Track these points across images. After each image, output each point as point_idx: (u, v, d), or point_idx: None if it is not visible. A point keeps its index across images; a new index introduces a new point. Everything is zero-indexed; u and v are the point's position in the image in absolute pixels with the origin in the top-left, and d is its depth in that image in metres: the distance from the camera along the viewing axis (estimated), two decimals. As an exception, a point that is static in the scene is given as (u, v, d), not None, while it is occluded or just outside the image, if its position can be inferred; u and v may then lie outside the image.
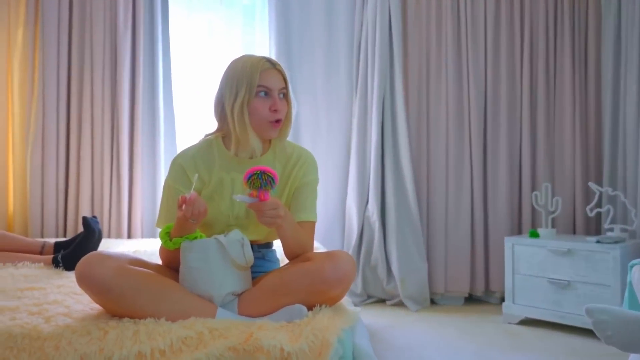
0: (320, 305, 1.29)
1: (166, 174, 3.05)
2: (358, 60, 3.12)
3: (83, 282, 1.23)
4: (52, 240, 1.99)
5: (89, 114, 3.01)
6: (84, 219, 1.83)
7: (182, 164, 1.50)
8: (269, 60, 1.47)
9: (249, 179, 1.29)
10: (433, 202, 3.06)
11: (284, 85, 1.47)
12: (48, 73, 2.96)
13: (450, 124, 3.05)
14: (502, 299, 2.85)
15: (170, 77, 3.12)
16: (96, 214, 3.03)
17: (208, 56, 3.22)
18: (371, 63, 3.04)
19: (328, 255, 1.31)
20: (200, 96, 3.23)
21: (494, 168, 3.03)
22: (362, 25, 3.11)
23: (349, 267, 1.29)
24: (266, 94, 1.44)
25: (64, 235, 3.04)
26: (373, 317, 2.71)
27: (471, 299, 3.07)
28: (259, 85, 1.43)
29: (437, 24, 3.06)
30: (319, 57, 3.17)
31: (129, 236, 3.05)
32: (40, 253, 1.92)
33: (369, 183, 3.06)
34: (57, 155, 3.00)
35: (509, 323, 2.59)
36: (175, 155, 1.55)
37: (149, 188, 3.11)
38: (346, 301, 1.42)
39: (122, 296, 1.22)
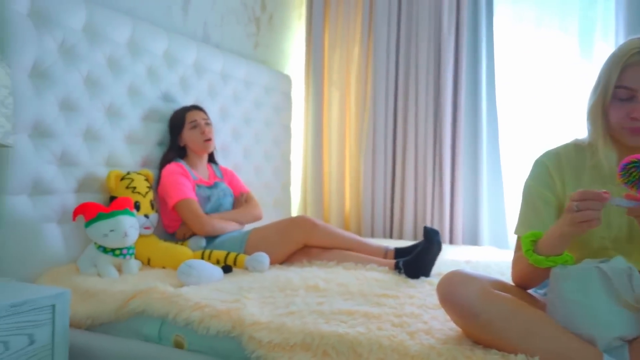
0: None
1: (488, 179, 2.97)
2: None
3: (446, 303, 1.16)
4: (393, 246, 2.05)
5: (413, 123, 3.09)
6: (425, 229, 1.81)
7: (546, 162, 1.30)
8: None
9: (623, 169, 1.04)
10: None
11: None
12: (378, 87, 3.16)
13: None
14: None
15: (493, 77, 2.94)
16: (418, 218, 3.09)
17: (536, 49, 2.91)
18: None
19: None
20: (528, 95, 2.93)
21: None
22: None
23: None
24: (629, 95, 1.13)
25: (390, 236, 3.20)
26: None
27: None
28: (618, 86, 1.14)
29: None
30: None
31: (451, 242, 3.01)
32: (384, 258, 2.00)
33: None
34: (384, 162, 3.18)
35: None
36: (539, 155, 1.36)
37: (470, 194, 3.01)
38: None
39: (490, 324, 1.10)
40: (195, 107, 2.31)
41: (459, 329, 1.21)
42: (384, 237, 3.19)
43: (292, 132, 3.34)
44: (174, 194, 2.08)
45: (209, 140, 2.26)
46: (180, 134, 2.27)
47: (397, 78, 3.17)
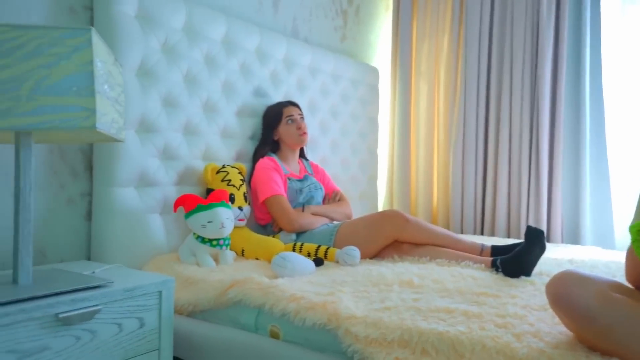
0: None
1: (591, 174, 2.76)
2: None
3: (558, 304, 1.08)
4: (489, 243, 1.96)
5: (507, 115, 2.94)
6: (529, 229, 1.70)
7: None
8: None
9: None
10: None
11: None
12: (469, 77, 3.04)
13: None
14: None
15: (599, 64, 2.72)
16: (512, 214, 2.94)
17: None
18: None
19: None
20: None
21: None
22: None
23: None
24: None
25: (481, 232, 3.08)
26: None
27: None
28: None
29: None
30: None
31: (548, 240, 2.83)
32: (480, 254, 1.92)
33: None
34: (475, 155, 3.06)
35: None
36: None
37: (570, 190, 2.81)
38: None
39: (609, 330, 1.01)
40: (291, 103, 2.36)
41: (570, 333, 1.13)
42: (474, 233, 3.07)
43: (378, 124, 3.30)
44: (264, 189, 2.13)
45: (304, 134, 2.31)
46: (276, 128, 2.31)
47: (490, 67, 3.03)
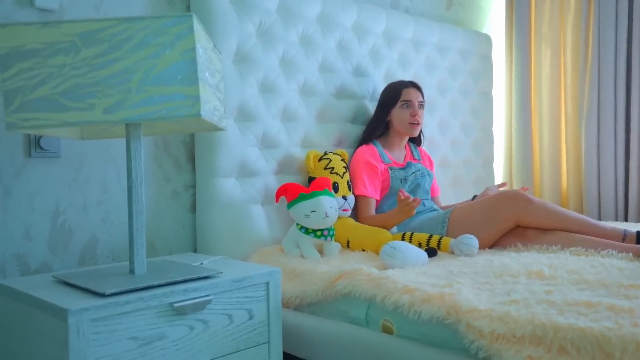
0: None
1: None
2: None
3: None
4: (634, 229, 1.81)
5: (654, 75, 2.69)
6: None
7: None
8: None
9: None
10: None
11: None
12: (604, 37, 2.82)
13: None
14: None
15: None
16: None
17: None
18: None
19: None
20: None
21: None
22: None
23: None
24: None
25: (625, 218, 2.86)
26: None
27: None
28: None
29: None
30: None
31: None
32: (622, 242, 1.79)
33: None
34: (614, 133, 2.85)
35: None
36: None
37: None
38: None
39: None
40: (413, 85, 2.29)
41: None
42: (616, 219, 2.86)
43: (493, 99, 3.17)
44: (355, 185, 2.16)
45: (415, 124, 2.24)
46: (391, 109, 2.27)
47: (631, 24, 2.77)
